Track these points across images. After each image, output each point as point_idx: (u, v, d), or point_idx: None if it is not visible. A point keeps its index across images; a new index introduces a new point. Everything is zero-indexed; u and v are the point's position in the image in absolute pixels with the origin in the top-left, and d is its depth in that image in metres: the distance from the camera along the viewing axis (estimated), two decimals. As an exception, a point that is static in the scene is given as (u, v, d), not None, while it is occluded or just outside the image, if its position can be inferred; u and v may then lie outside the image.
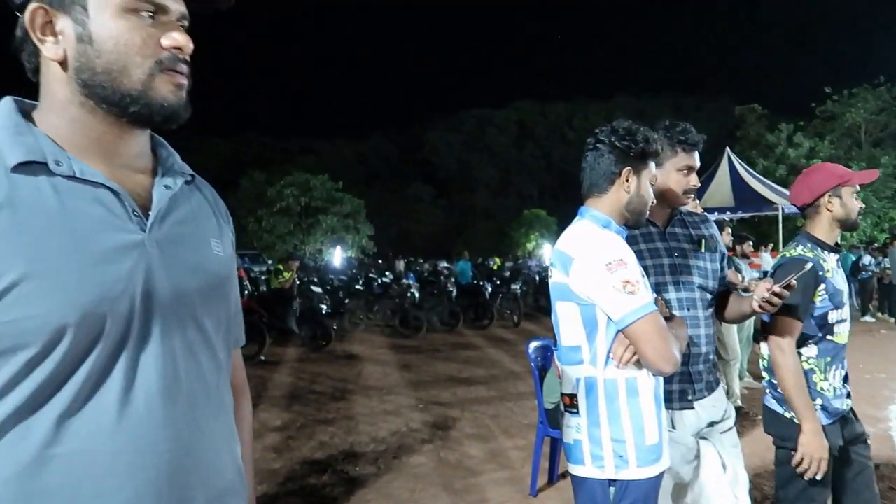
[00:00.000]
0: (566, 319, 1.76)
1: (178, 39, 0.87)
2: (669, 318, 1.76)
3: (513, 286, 13.58)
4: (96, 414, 0.82)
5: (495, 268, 19.56)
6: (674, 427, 1.99)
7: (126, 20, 0.85)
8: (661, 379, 1.78)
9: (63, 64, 0.86)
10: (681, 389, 2.03)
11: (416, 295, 12.43)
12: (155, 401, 0.85)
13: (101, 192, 0.86)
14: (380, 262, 20.27)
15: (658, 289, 2.02)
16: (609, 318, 1.67)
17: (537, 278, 17.40)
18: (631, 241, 1.98)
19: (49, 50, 0.86)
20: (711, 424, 2.06)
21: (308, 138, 53.92)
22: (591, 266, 1.66)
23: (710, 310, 2.15)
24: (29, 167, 0.81)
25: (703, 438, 2.02)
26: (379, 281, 15.37)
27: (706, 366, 2.09)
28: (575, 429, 1.74)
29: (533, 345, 3.95)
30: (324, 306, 10.70)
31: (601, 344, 1.71)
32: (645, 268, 1.95)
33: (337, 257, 28.56)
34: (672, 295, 2.04)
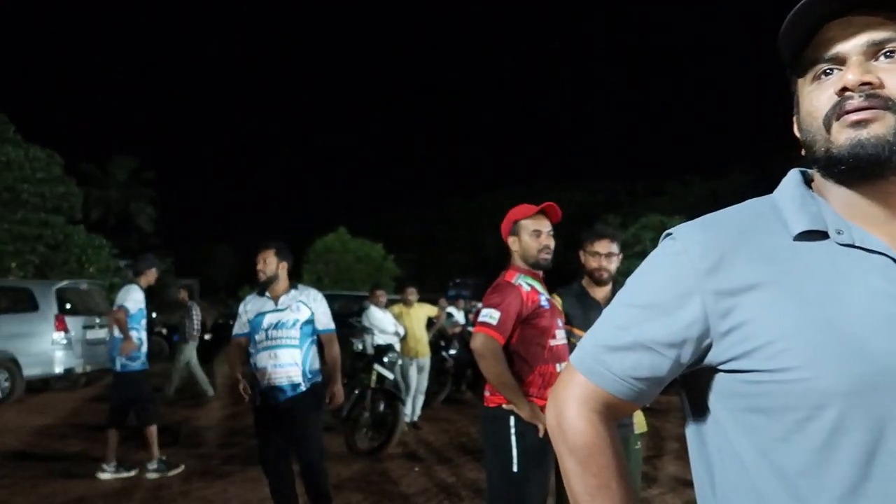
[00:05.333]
0: None
1: (844, 81, 0.82)
2: None
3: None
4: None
5: None
6: None
7: (813, 86, 0.87)
8: None
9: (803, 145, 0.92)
10: None
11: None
12: None
13: (878, 259, 0.83)
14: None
15: None
16: None
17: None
18: None
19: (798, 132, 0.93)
20: None
21: (657, 179, 52.92)
22: None
23: None
24: (810, 235, 0.85)
25: None
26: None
27: None
28: None
29: None
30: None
31: None
32: None
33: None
34: None
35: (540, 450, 2.61)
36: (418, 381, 7.57)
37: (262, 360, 3.78)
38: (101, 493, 5.02)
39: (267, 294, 3.90)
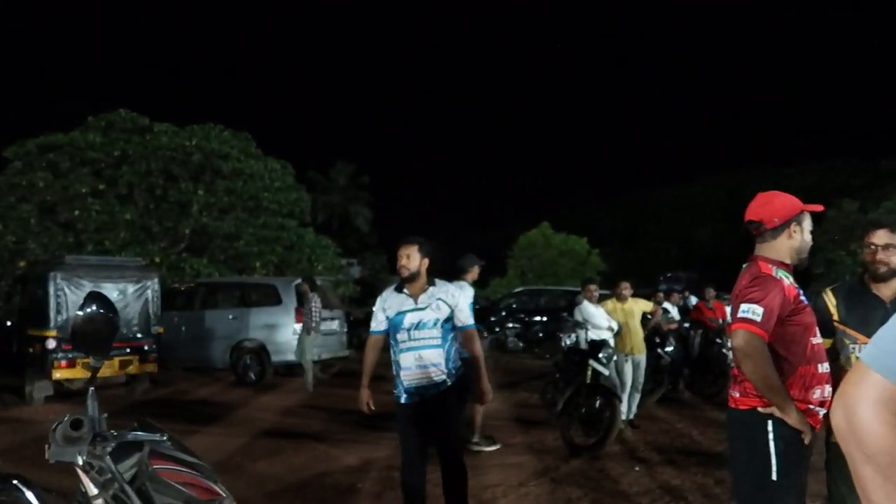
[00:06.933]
0: None
1: None
2: None
3: None
4: None
5: None
6: None
7: None
8: None
9: None
10: None
11: None
12: None
13: None
14: None
15: None
16: None
17: None
18: None
19: None
20: None
21: (905, 157, 46.10)
22: None
23: None
24: None
25: None
26: None
27: None
28: None
29: None
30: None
31: None
32: None
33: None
34: None
35: (800, 455, 2.38)
36: (634, 378, 7.32)
37: (406, 360, 3.69)
38: (342, 468, 5.52)
39: (406, 291, 3.76)
